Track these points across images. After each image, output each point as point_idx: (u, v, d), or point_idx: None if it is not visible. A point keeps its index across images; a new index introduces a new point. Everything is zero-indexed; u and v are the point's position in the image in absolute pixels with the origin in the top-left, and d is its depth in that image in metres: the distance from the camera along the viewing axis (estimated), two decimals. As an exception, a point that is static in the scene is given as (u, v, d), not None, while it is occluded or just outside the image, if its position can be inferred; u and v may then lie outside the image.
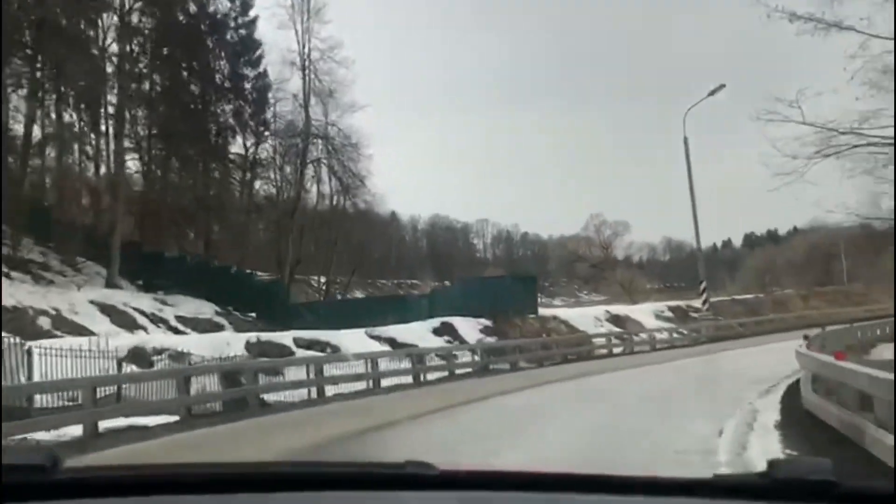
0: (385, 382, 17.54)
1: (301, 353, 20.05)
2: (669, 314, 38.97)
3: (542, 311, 33.23)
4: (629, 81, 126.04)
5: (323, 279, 43.51)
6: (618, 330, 31.32)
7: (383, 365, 18.43)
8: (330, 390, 16.33)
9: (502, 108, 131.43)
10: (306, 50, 39.47)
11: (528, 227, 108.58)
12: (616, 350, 26.08)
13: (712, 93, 28.04)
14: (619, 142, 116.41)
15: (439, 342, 23.80)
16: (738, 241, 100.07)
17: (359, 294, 50.64)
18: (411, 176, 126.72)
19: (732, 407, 11.33)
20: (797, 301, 46.93)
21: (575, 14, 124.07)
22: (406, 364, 19.22)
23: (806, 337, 14.10)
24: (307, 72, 39.34)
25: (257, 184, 43.16)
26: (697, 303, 39.70)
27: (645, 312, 38.07)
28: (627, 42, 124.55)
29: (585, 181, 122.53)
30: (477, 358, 21.25)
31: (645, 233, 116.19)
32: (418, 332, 24.01)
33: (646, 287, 72.14)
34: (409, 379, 18.36)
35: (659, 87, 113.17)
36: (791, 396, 11.97)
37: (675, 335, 29.64)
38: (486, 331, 26.04)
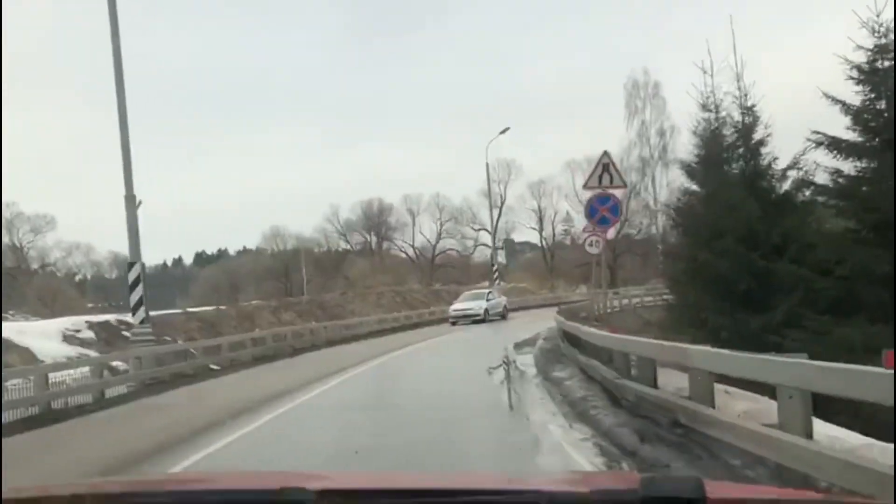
0: None
1: None
2: (90, 334, 25.48)
3: None
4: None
5: None
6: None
7: None
8: None
9: None
10: None
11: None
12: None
13: None
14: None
15: None
16: (189, 260, 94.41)
17: None
18: None
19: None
20: (266, 314, 37.85)
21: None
22: None
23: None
24: None
25: None
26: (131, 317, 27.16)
27: (49, 333, 23.83)
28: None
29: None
30: None
31: (82, 233, 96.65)
32: None
33: (85, 305, 56.14)
34: None
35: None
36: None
37: (104, 374, 15.81)
38: None
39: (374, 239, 73.01)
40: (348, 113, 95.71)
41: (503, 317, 33.71)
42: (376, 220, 72.22)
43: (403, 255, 72.33)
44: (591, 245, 21.38)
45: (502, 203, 64.09)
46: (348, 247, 73.08)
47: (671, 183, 50.63)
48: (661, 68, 75.66)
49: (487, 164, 44.09)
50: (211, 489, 1.83)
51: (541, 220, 66.46)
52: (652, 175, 52.07)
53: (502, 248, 65.40)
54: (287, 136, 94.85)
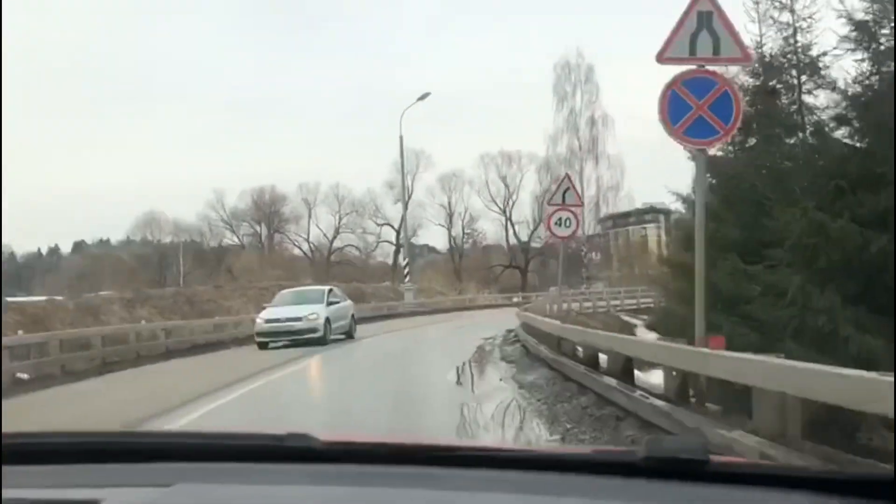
0: None
1: None
2: None
3: None
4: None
5: None
6: None
7: None
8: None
9: None
10: None
11: None
12: None
13: None
14: None
15: None
16: (67, 248, 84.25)
17: None
18: None
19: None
20: (117, 308, 30.26)
21: None
22: None
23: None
24: None
25: None
26: None
27: None
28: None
29: None
30: None
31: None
32: None
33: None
34: None
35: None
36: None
37: None
38: None
39: (264, 230, 65.26)
40: (242, 98, 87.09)
41: (349, 335, 20.70)
42: (268, 210, 64.47)
43: (298, 251, 64.95)
44: (558, 224, 15.21)
45: (409, 196, 57.95)
46: (235, 238, 64.93)
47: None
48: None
49: (402, 137, 37.97)
50: (214, 433, 1.71)
51: (450, 217, 60.86)
52: (580, 168, 47.22)
53: (403, 247, 59.73)
54: (177, 119, 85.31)
